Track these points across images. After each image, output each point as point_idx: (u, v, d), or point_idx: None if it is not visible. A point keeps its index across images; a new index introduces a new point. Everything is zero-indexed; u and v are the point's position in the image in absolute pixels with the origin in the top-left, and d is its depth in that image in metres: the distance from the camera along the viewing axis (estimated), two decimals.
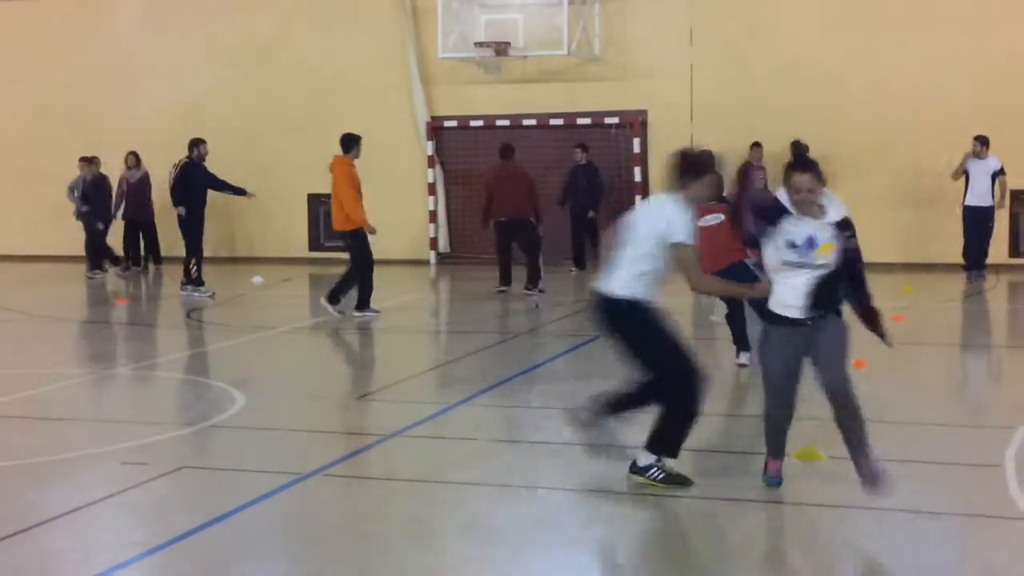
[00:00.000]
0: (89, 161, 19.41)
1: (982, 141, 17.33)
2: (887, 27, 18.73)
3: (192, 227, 16.05)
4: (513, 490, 6.77)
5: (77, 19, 22.10)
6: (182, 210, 15.95)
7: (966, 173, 17.48)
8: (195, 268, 16.02)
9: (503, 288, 16.08)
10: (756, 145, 18.41)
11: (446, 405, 9.03)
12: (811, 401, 9.18)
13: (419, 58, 20.48)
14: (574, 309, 14.68)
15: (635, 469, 6.74)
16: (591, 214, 18.78)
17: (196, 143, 16.05)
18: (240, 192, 16.74)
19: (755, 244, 6.51)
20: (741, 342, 10.39)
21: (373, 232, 13.89)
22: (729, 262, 9.32)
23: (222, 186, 16.46)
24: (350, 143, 14.29)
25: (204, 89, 21.27)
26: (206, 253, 16.69)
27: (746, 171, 17.03)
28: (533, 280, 15.94)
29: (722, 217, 9.90)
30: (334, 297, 13.67)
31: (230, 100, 21.15)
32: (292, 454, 7.74)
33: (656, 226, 6.53)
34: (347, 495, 6.80)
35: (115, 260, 19.54)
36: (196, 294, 15.90)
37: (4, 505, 6.59)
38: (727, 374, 10.11)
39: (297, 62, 20.96)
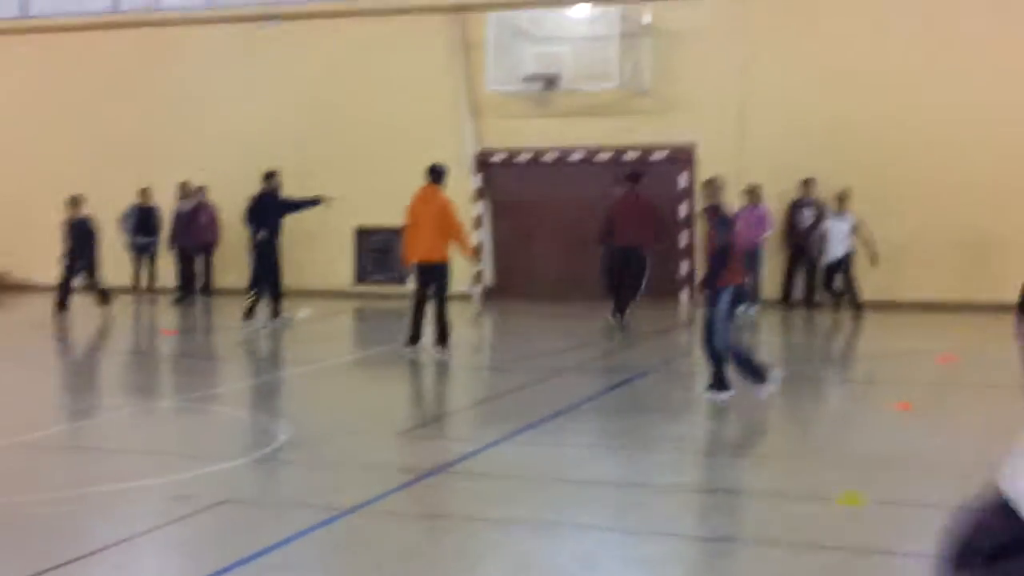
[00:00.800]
0: (74, 203, 18.25)
1: None
2: (938, 66, 18.62)
3: (262, 257, 16.08)
4: (556, 528, 6.76)
5: (140, 54, 22.47)
6: (263, 232, 15.93)
7: None
8: (251, 299, 16.02)
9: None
10: (807, 182, 18.20)
11: (490, 441, 9.04)
12: (854, 443, 9.13)
13: (468, 91, 20.62)
14: (620, 345, 14.67)
15: None
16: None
17: (270, 175, 16.27)
18: (316, 202, 16.47)
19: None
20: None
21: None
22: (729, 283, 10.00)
23: (298, 205, 16.40)
24: (443, 174, 13.68)
25: (258, 123, 21.54)
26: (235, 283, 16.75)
27: (795, 208, 16.94)
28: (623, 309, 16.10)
29: None
30: (443, 339, 13.23)
31: (282, 133, 21.40)
32: (336, 489, 7.77)
33: None
34: (390, 531, 6.82)
35: (62, 305, 17.72)
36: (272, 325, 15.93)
37: (52, 535, 6.67)
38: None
39: (347, 95, 21.17)
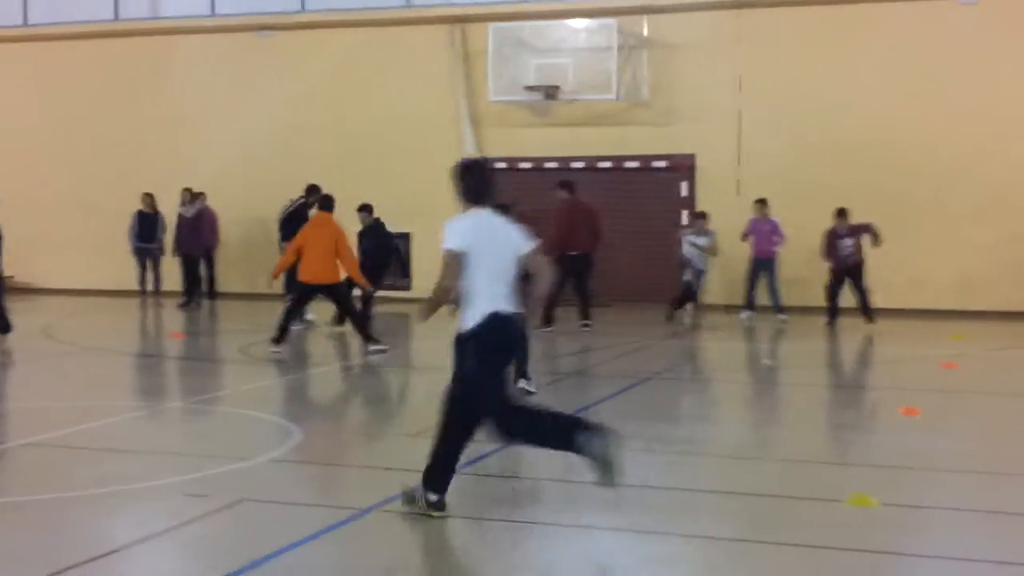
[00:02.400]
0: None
1: None
2: (936, 75, 18.78)
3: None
4: (566, 529, 6.84)
5: (134, 61, 22.56)
6: (284, 244, 16.38)
7: None
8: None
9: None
10: (842, 213, 17.13)
11: (499, 444, 9.11)
12: (863, 447, 9.23)
13: (469, 101, 20.74)
14: (623, 351, 14.76)
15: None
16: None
17: (313, 189, 16.56)
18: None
19: None
20: None
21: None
22: None
23: None
24: (333, 202, 14.73)
25: (258, 131, 21.63)
26: (259, 290, 16.90)
27: (831, 238, 17.02)
28: (588, 314, 16.64)
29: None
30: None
31: (281, 142, 21.50)
32: (350, 489, 7.86)
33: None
34: (403, 531, 6.89)
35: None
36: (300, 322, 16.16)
37: (68, 535, 6.73)
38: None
39: (347, 104, 21.28)
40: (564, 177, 18.26)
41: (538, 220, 11.86)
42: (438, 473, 7.03)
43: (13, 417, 10.79)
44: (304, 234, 14.21)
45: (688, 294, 17.79)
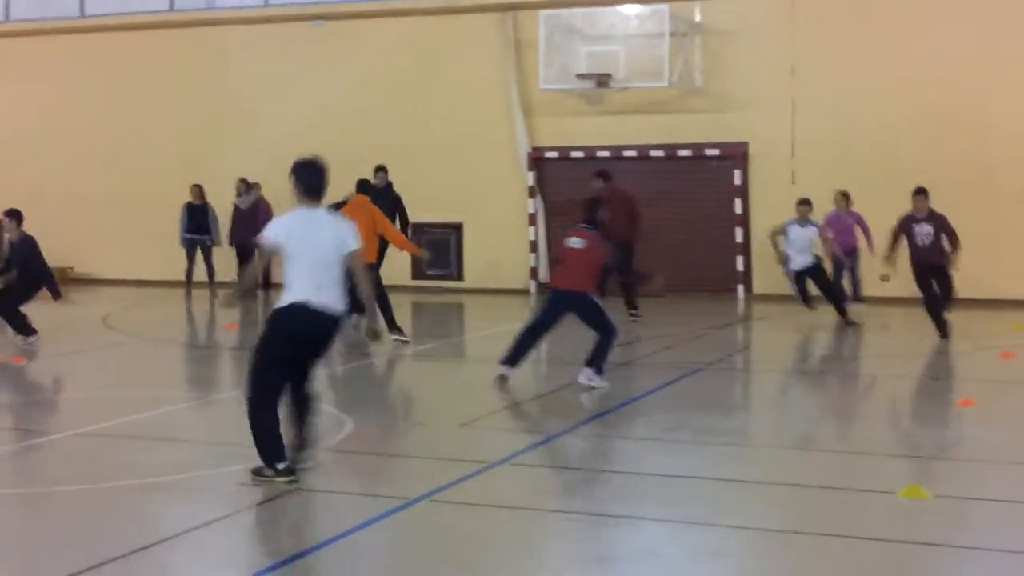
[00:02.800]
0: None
1: None
2: (992, 61, 18.50)
3: None
4: (616, 519, 6.85)
5: (189, 52, 22.77)
6: None
7: None
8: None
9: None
10: (920, 192, 14.61)
11: (550, 434, 9.14)
12: (917, 438, 9.14)
13: (521, 89, 20.71)
14: (676, 340, 14.72)
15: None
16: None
17: (363, 184, 16.58)
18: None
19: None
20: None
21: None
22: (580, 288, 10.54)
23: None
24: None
25: (310, 121, 21.74)
26: None
27: (907, 225, 14.52)
28: (635, 303, 16.35)
29: (584, 244, 10.77)
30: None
31: (334, 132, 21.57)
32: (399, 479, 7.91)
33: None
34: (453, 521, 6.93)
35: (24, 330, 14.03)
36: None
37: (125, 523, 6.84)
38: None
39: (400, 93, 21.32)
40: (613, 166, 18.16)
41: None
42: (266, 446, 7.45)
43: (73, 406, 10.98)
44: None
45: (836, 292, 16.21)
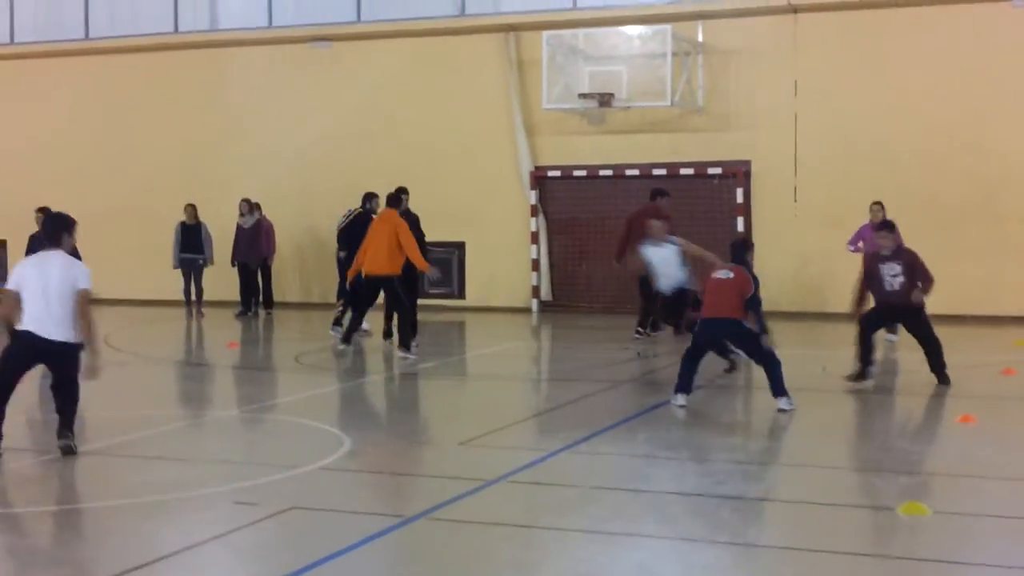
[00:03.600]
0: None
1: None
2: (994, 78, 18.52)
3: (342, 275, 16.70)
4: (614, 537, 6.81)
5: (192, 73, 22.85)
6: (342, 253, 16.73)
7: None
8: (340, 311, 16.58)
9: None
10: (885, 226, 12.71)
11: (548, 452, 9.10)
12: (917, 455, 9.10)
13: (523, 109, 20.76)
14: (676, 359, 14.68)
15: None
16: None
17: (370, 197, 16.73)
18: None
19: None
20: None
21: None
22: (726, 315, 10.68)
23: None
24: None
25: (313, 140, 21.82)
26: (312, 299, 17.01)
27: (872, 266, 12.38)
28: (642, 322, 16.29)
29: (732, 275, 10.78)
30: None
31: (334, 151, 21.66)
32: (397, 497, 7.89)
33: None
34: (451, 539, 6.90)
35: None
36: (333, 332, 16.35)
37: (122, 541, 6.82)
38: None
39: (403, 113, 21.39)
40: (615, 185, 18.23)
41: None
42: None
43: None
44: (369, 229, 14.85)
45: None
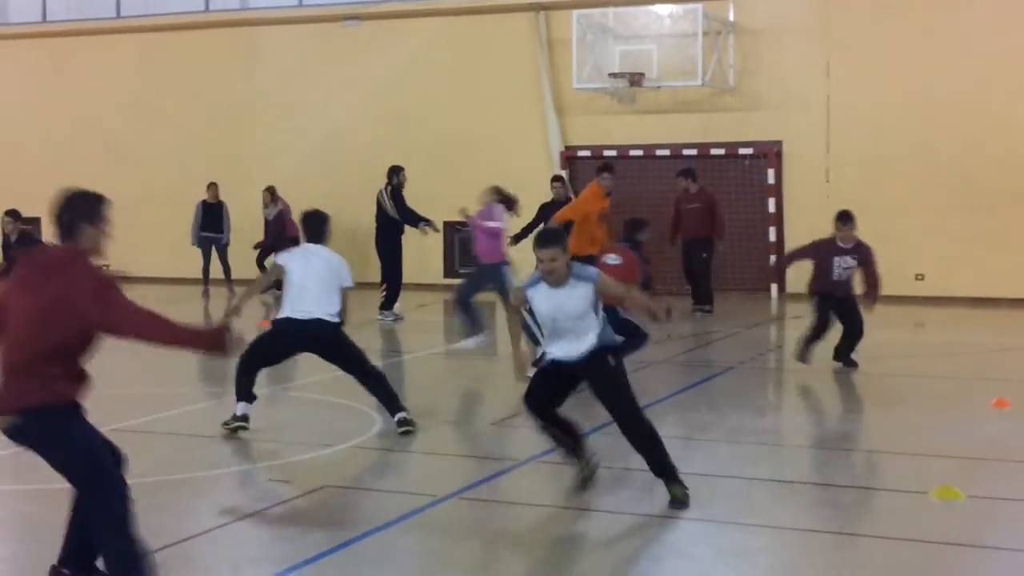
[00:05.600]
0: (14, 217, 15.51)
1: None
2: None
3: (385, 253, 16.98)
4: (646, 518, 6.83)
5: (222, 52, 22.90)
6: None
7: None
8: (383, 293, 16.65)
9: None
10: (844, 216, 12.00)
11: (579, 433, 9.11)
12: (950, 439, 9.06)
13: (553, 89, 20.70)
14: (707, 340, 14.67)
15: None
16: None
17: (396, 170, 16.85)
18: (419, 222, 17.04)
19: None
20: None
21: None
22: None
23: (405, 218, 17.02)
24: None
25: (341, 121, 21.82)
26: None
27: (826, 253, 12.15)
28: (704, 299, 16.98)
29: (620, 261, 10.56)
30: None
31: (367, 131, 21.64)
32: (430, 476, 7.92)
33: None
34: (483, 518, 6.94)
35: None
36: (383, 318, 16.44)
37: (155, 518, 6.87)
38: None
39: (433, 93, 21.36)
40: (645, 165, 18.22)
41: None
42: None
43: (105, 403, 11.00)
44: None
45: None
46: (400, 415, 8.90)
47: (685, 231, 17.44)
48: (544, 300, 6.99)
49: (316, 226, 9.27)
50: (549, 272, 6.88)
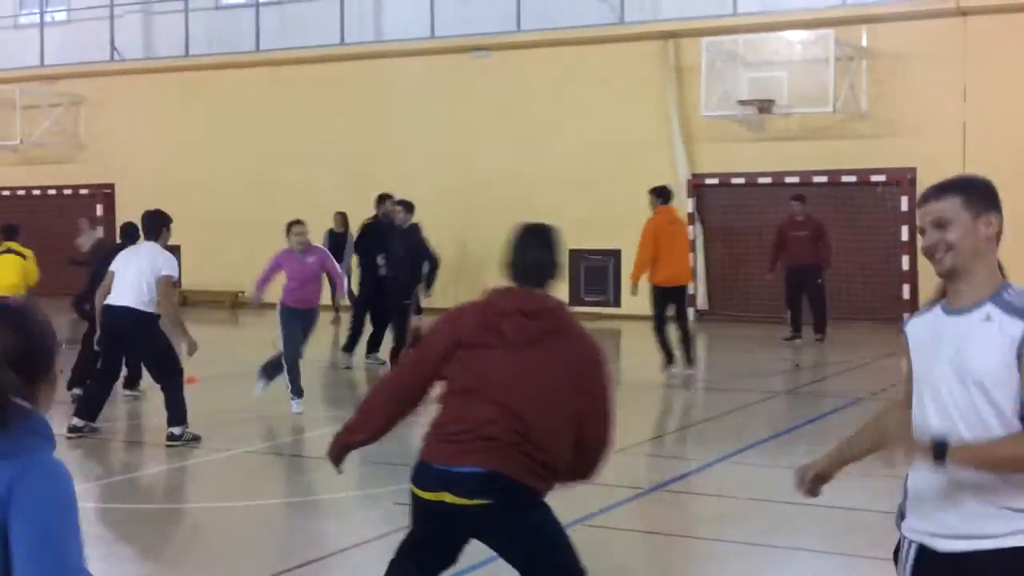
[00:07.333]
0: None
1: None
2: None
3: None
4: (774, 551, 6.76)
5: (358, 81, 23.39)
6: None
7: None
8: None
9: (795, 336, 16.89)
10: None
11: (707, 461, 9.07)
12: None
13: (681, 116, 20.66)
14: (836, 370, 14.43)
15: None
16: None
17: (383, 199, 16.59)
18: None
19: None
20: None
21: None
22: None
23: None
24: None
25: (472, 147, 22.08)
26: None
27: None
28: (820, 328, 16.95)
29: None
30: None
31: (495, 158, 21.86)
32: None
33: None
34: (605, 546, 6.94)
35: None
36: None
37: (285, 540, 7.05)
38: None
39: (562, 120, 21.49)
40: (774, 192, 18.04)
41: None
42: None
43: (239, 426, 11.34)
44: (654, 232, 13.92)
45: None
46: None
47: (791, 259, 17.15)
48: None
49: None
50: None
